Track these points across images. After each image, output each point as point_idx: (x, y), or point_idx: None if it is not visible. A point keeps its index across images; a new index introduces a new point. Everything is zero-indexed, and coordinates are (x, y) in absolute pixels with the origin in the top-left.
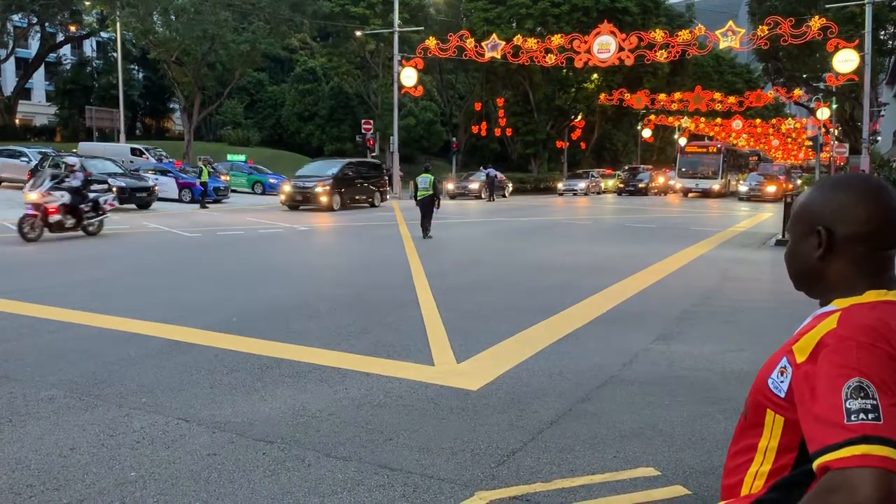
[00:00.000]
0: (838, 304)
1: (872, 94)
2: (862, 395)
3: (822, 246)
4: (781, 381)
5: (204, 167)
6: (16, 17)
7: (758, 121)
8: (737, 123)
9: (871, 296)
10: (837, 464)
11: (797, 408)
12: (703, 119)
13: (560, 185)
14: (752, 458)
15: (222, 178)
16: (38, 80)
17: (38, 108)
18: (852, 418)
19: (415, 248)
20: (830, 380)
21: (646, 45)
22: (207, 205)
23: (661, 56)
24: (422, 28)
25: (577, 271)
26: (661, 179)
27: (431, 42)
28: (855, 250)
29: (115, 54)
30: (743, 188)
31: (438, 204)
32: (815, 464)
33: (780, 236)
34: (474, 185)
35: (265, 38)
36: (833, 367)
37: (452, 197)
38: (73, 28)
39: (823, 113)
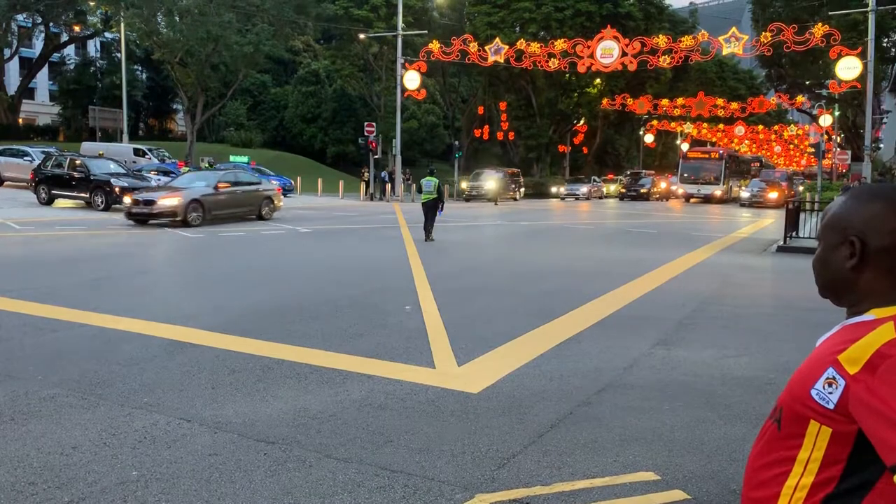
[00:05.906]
0: (878, 313)
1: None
2: None
3: (854, 256)
4: (830, 393)
5: (180, 170)
6: (20, 17)
7: (760, 127)
8: (739, 129)
9: None
10: None
11: (862, 420)
12: (705, 125)
13: (562, 190)
14: (790, 471)
15: None
16: (42, 80)
17: (41, 107)
18: None
19: (416, 250)
20: None
21: (649, 50)
22: None
23: (664, 61)
24: (425, 31)
25: (578, 275)
26: (662, 185)
27: (435, 45)
28: (887, 261)
29: (118, 55)
30: (745, 194)
31: (442, 207)
32: None
33: (781, 242)
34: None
35: (269, 39)
36: None
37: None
38: (77, 28)
39: (826, 120)
